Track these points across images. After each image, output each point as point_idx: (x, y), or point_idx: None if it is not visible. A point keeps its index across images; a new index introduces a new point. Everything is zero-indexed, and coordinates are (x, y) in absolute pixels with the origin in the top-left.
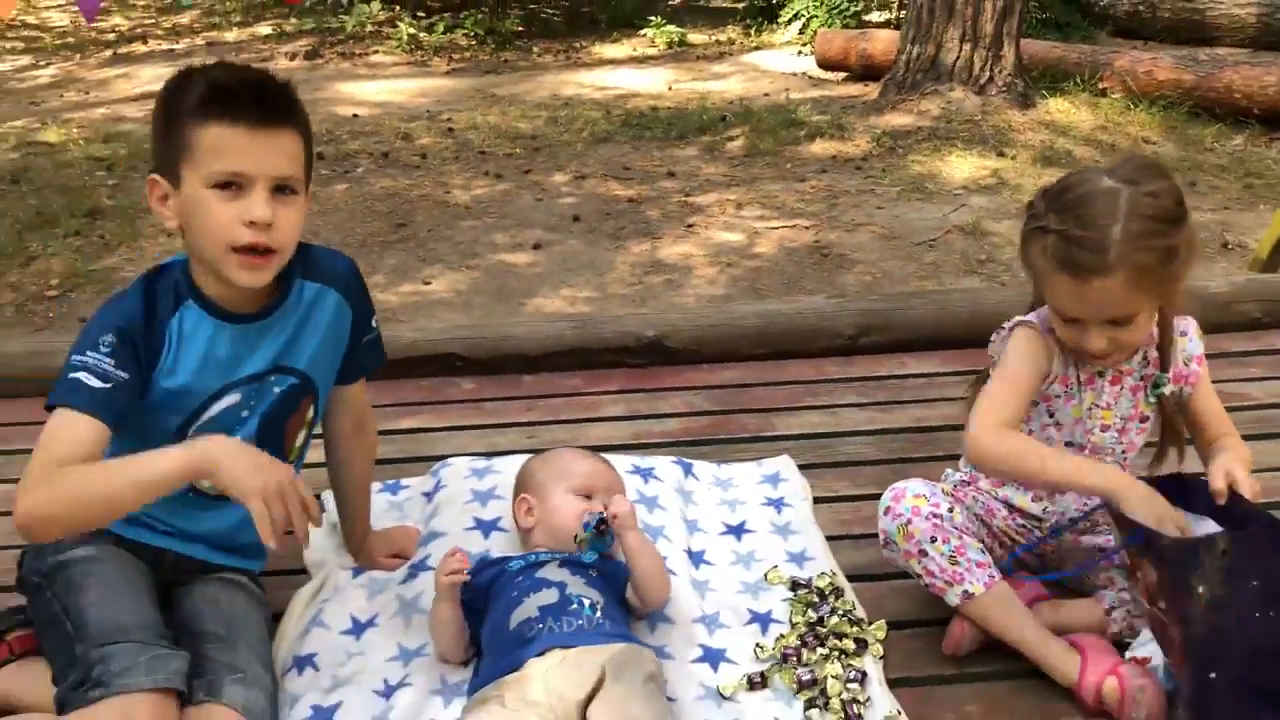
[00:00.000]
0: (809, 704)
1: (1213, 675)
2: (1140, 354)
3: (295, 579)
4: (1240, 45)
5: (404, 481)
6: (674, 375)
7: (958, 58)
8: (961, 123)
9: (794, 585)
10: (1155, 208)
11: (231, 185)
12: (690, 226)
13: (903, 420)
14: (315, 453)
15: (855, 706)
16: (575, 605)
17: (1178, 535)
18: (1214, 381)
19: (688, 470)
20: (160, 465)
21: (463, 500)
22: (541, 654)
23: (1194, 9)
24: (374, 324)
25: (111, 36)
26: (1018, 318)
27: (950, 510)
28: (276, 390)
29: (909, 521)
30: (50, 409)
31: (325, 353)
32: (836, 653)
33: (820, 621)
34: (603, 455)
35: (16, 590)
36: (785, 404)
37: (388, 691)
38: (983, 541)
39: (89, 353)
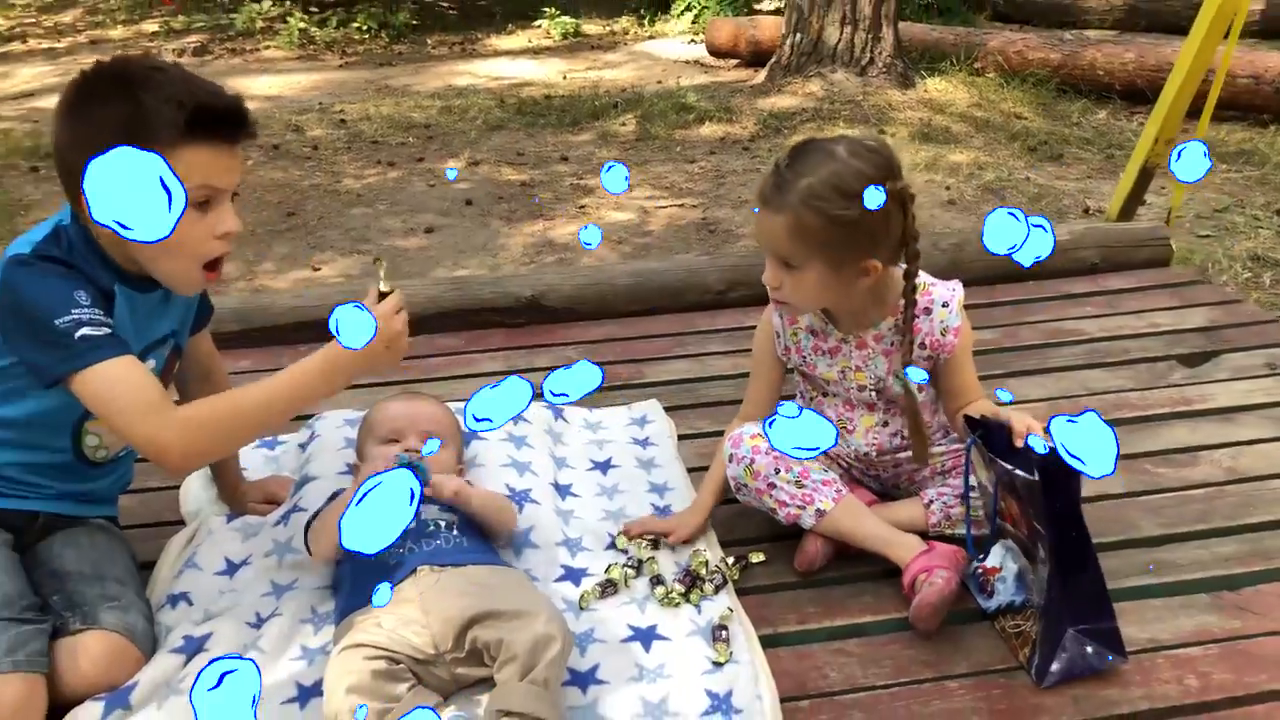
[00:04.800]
0: (661, 596)
1: (1083, 574)
2: (891, 322)
3: (169, 529)
4: (1108, 29)
5: (281, 438)
6: (550, 332)
7: (839, 41)
8: (844, 103)
9: (655, 581)
10: (840, 180)
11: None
12: (582, 208)
13: None
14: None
15: (696, 595)
16: (431, 528)
17: (1026, 477)
18: (1054, 320)
19: (557, 414)
20: (312, 392)
21: (336, 447)
22: (413, 573)
23: None
24: None
25: None
26: None
27: None
28: (165, 353)
29: (752, 461)
30: (63, 378)
31: (188, 312)
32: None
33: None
34: (424, 395)
35: None
36: (655, 355)
37: (258, 621)
38: (819, 464)
39: (76, 311)
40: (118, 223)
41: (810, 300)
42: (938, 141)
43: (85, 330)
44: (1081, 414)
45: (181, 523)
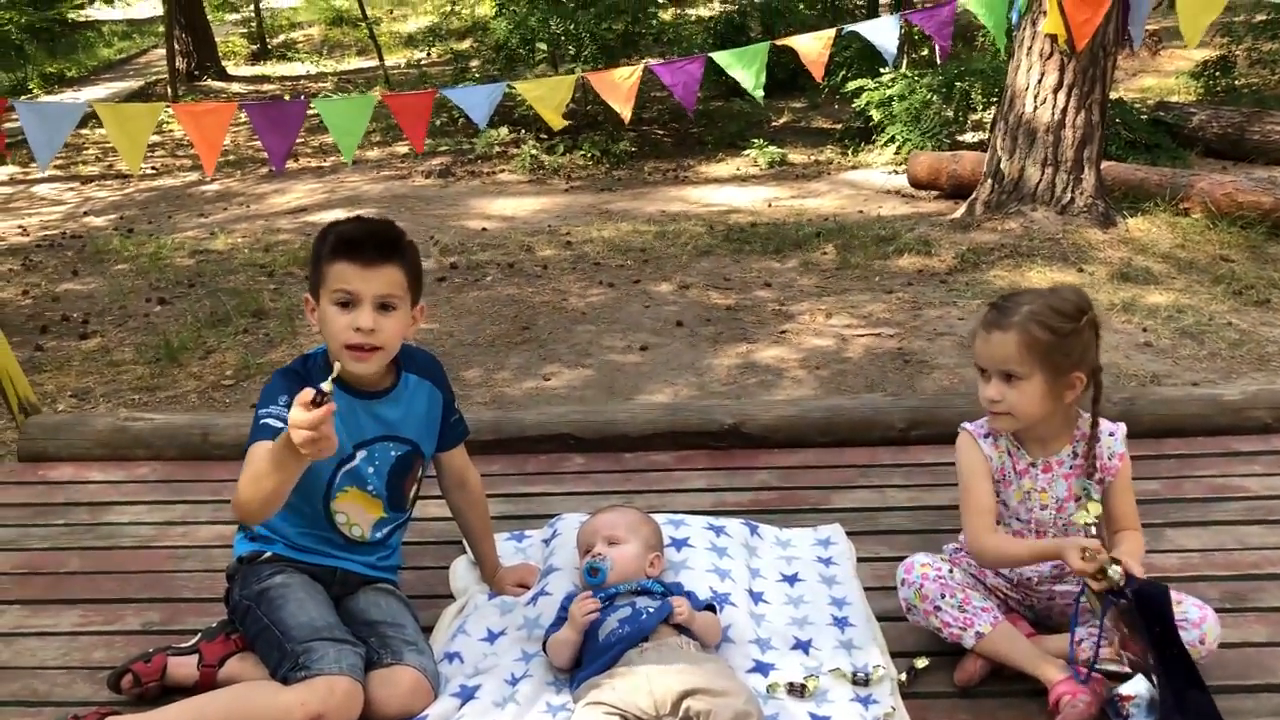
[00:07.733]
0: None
1: (1191, 688)
2: (1070, 449)
3: (443, 600)
4: None
5: (527, 533)
6: (749, 457)
7: (1040, 181)
8: (1043, 241)
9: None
10: (1055, 304)
11: (347, 303)
12: (783, 333)
13: (939, 499)
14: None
15: (861, 690)
16: (645, 616)
17: (1127, 604)
18: (1219, 476)
19: (753, 530)
20: (273, 476)
21: (573, 544)
22: (640, 650)
23: None
24: (455, 406)
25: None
26: (962, 425)
27: (950, 571)
28: (394, 454)
29: (921, 586)
30: (247, 449)
31: (426, 428)
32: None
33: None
34: (619, 507)
35: (229, 614)
36: (841, 484)
37: (513, 680)
38: (980, 593)
39: (271, 406)
40: None
41: (1030, 409)
42: (1137, 282)
43: (266, 420)
44: None
45: (450, 596)
